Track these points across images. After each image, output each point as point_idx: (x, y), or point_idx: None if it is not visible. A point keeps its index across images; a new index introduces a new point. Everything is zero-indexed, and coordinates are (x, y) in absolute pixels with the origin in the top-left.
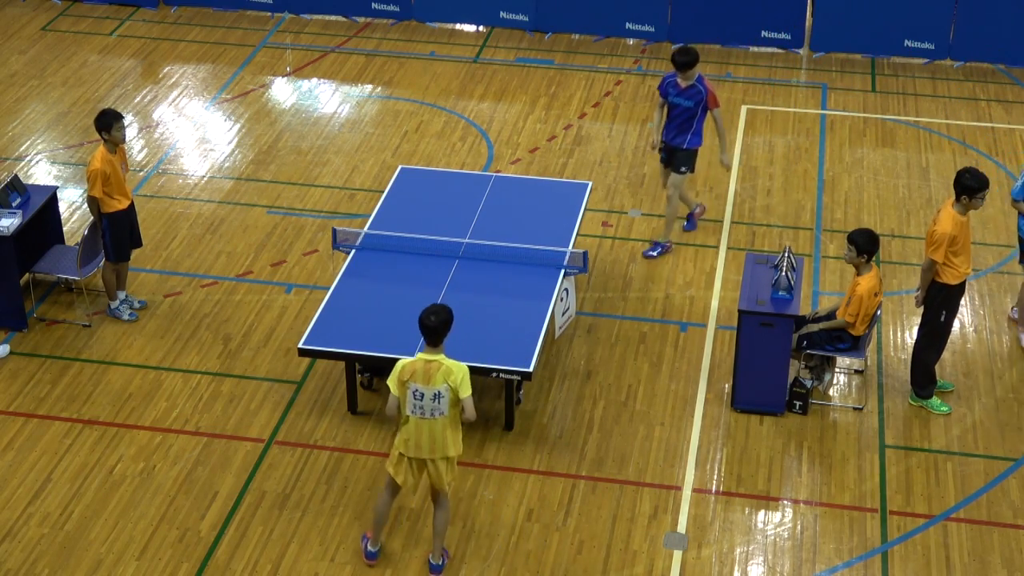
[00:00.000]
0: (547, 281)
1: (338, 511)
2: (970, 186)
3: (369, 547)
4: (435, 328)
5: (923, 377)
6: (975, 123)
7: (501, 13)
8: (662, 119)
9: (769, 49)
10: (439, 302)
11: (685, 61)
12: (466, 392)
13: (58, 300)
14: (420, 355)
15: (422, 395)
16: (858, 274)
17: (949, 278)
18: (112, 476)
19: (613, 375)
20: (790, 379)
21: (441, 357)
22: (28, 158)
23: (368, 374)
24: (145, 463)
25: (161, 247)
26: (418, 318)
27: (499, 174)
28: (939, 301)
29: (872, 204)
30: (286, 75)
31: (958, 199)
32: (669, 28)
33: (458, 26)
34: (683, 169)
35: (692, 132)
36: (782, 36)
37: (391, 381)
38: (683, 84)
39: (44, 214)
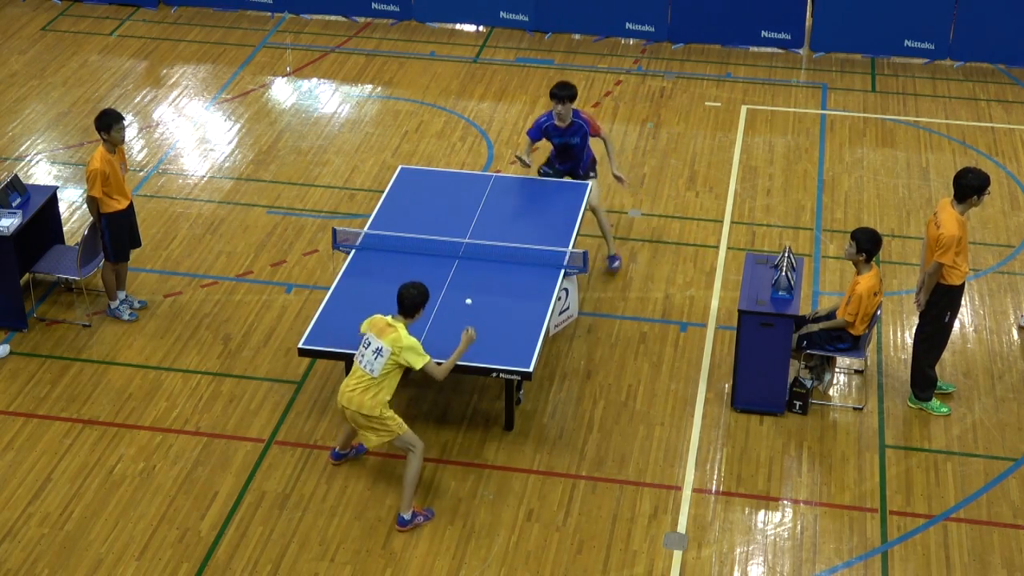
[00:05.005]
0: (547, 281)
1: (338, 511)
2: (977, 185)
3: (338, 450)
4: (409, 300)
5: (924, 380)
6: (975, 123)
7: (501, 13)
8: (530, 152)
9: (769, 49)
10: (439, 301)
11: (569, 95)
12: (418, 364)
13: (58, 300)
14: (389, 316)
15: (368, 344)
16: (858, 273)
17: (953, 279)
18: (112, 476)
19: (613, 375)
20: (790, 379)
21: (400, 326)
22: (28, 158)
23: None
24: (145, 463)
25: (161, 247)
26: (398, 289)
27: (499, 174)
28: (944, 303)
29: (872, 204)
30: (286, 75)
31: (964, 199)
32: (669, 28)
33: (458, 26)
34: (592, 174)
35: (584, 157)
36: (782, 36)
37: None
38: (563, 124)
39: (44, 214)
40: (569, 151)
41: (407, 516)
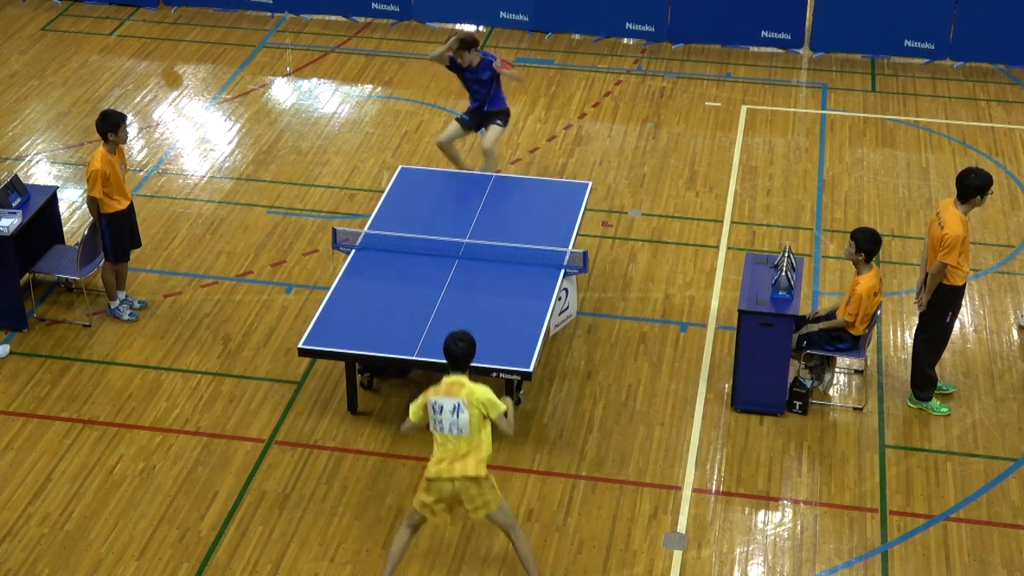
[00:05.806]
0: (547, 281)
1: (338, 511)
2: (980, 184)
3: None
4: (461, 355)
5: (924, 380)
6: (975, 123)
7: (501, 13)
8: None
9: (769, 49)
10: (439, 302)
11: (466, 46)
12: (496, 411)
13: (58, 300)
14: (445, 379)
15: (441, 408)
16: (858, 273)
17: (956, 279)
18: (112, 476)
19: (613, 375)
20: (790, 379)
21: (464, 379)
22: (28, 158)
23: (368, 374)
24: (145, 463)
25: (161, 247)
26: (444, 344)
27: (499, 174)
28: (946, 303)
29: (872, 204)
30: (286, 75)
31: (967, 199)
32: (669, 28)
33: (458, 26)
34: (499, 121)
35: (494, 98)
36: (782, 36)
37: (413, 404)
38: (473, 63)
39: (44, 214)
40: (478, 88)
41: None
